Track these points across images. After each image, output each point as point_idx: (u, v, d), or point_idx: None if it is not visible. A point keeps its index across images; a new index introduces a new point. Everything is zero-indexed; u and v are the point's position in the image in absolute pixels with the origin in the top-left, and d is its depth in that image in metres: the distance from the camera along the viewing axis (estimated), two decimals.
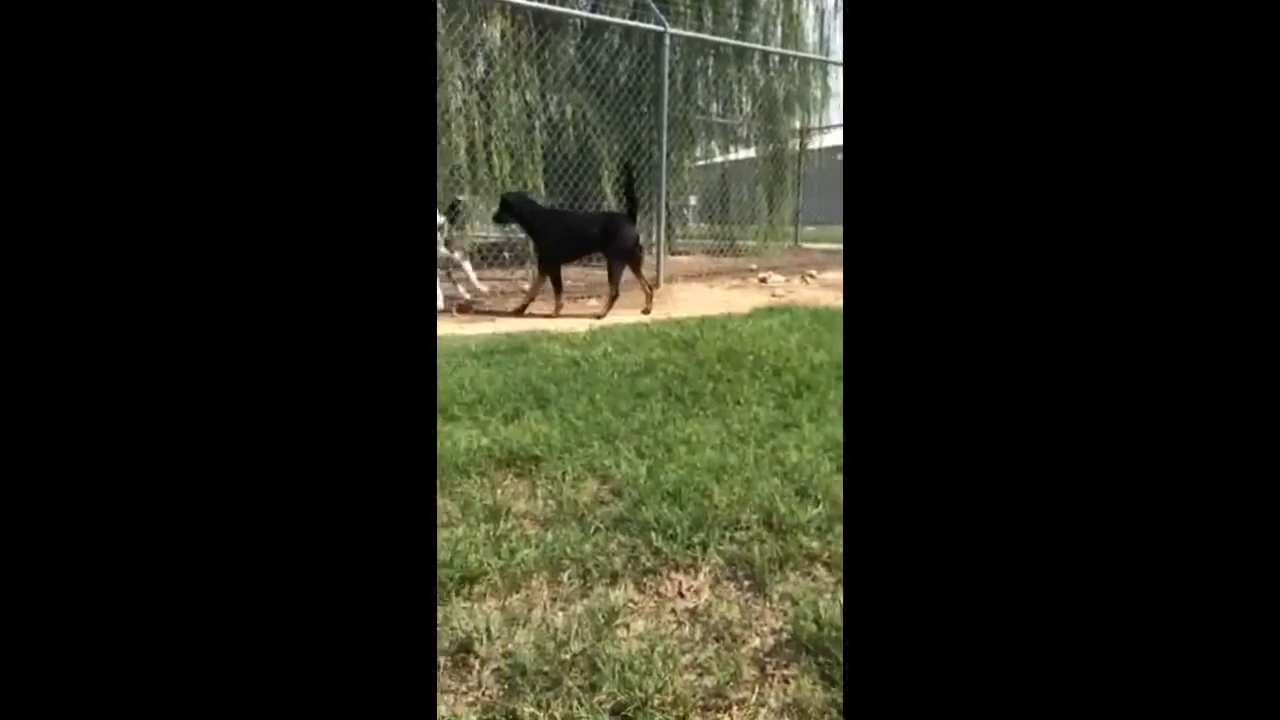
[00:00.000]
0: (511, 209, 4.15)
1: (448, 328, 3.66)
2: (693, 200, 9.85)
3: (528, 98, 6.08)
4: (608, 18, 5.24)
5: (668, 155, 5.33)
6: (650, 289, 4.31)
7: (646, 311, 4.21)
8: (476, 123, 5.79)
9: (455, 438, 1.81)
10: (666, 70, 4.90)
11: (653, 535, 1.28)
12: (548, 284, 4.17)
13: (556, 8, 5.09)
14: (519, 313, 4.15)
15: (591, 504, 1.46)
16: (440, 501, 1.48)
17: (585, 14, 5.18)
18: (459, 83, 5.70)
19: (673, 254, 6.36)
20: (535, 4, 4.98)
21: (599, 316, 4.05)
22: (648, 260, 6.41)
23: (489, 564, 1.19)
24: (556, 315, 4.10)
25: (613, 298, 4.15)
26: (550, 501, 1.47)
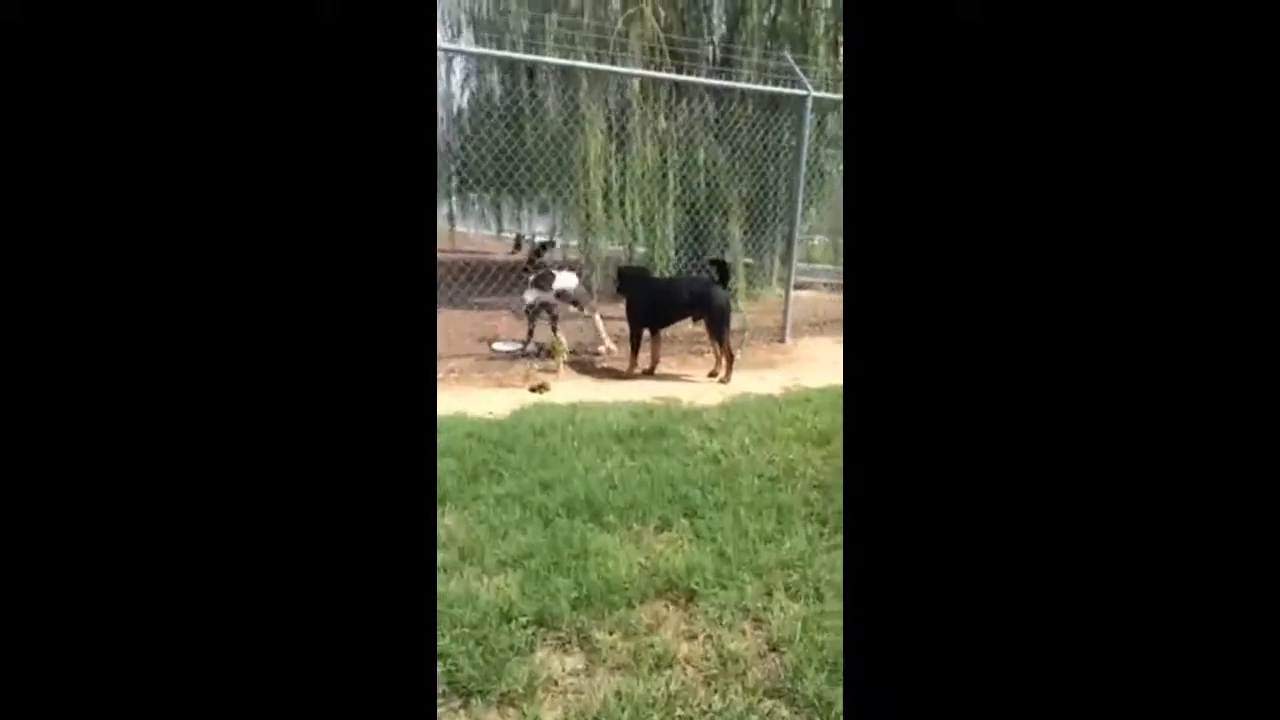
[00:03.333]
0: (623, 279, 4.43)
1: (584, 390, 3.88)
2: (816, 240, 9.65)
3: (662, 150, 6.28)
4: (748, 85, 5.33)
5: (801, 209, 5.35)
6: (729, 358, 4.26)
7: (713, 374, 4.31)
8: (613, 173, 6.05)
9: (616, 556, 1.97)
10: (808, 133, 4.92)
11: (815, 717, 1.37)
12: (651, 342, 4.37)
13: (692, 78, 5.24)
14: (647, 374, 4.33)
15: (752, 658, 1.57)
16: (612, 638, 1.64)
17: (724, 83, 5.29)
18: (599, 134, 5.98)
19: (795, 288, 6.37)
20: (671, 75, 5.19)
21: (723, 381, 4.16)
22: (776, 307, 6.46)
23: None
24: (629, 375, 4.29)
25: (730, 359, 4.25)
26: (711, 650, 1.59)
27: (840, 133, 7.03)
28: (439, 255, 7.19)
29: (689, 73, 5.66)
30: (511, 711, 1.40)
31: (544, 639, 1.64)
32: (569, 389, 3.92)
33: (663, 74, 5.11)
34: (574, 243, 6.84)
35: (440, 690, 1.44)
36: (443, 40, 6.03)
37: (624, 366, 4.41)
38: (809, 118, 4.91)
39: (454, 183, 7.61)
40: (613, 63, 5.50)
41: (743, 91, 5.52)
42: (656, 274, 5.56)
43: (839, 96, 5.80)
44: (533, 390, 3.83)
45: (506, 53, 5.00)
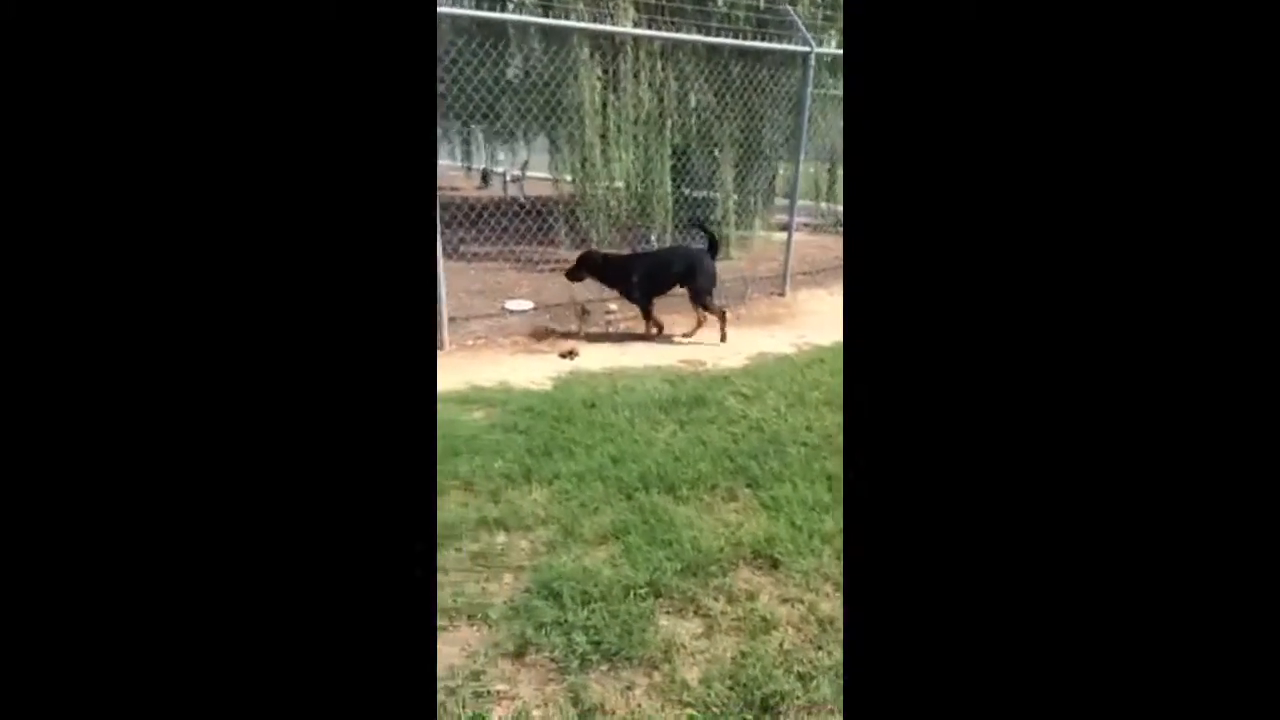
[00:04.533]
0: (587, 265, 4.45)
1: (607, 356, 4.09)
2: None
3: (660, 94, 6.28)
4: (746, 43, 5.36)
5: (800, 166, 5.50)
6: (721, 317, 4.47)
7: (688, 335, 4.48)
8: (611, 119, 6.06)
9: (701, 528, 2.24)
10: (810, 89, 5.02)
11: None
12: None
13: (687, 36, 5.24)
14: (660, 333, 4.54)
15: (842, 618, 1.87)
16: (719, 604, 1.92)
17: (719, 40, 5.30)
18: (597, 83, 5.95)
19: (780, 229, 6.63)
20: (665, 34, 5.19)
21: (722, 339, 4.42)
22: (764, 254, 6.70)
23: (795, 691, 1.62)
24: (648, 338, 4.48)
25: (722, 317, 4.46)
26: (807, 613, 1.89)
27: (820, 77, 7.14)
28: None
29: (685, 20, 5.64)
30: (656, 674, 1.68)
31: (662, 607, 1.91)
32: (595, 354, 4.12)
33: (658, 33, 5.10)
34: (568, 178, 6.84)
35: (592, 658, 1.71)
36: None
37: (630, 327, 4.62)
38: (811, 75, 5.00)
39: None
40: (610, 19, 5.44)
41: (742, 49, 5.55)
42: (651, 239, 5.68)
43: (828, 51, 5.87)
44: (563, 356, 4.02)
45: (495, 14, 4.89)
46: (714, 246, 4.51)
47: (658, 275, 4.49)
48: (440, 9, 3.85)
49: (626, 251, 5.10)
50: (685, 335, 4.52)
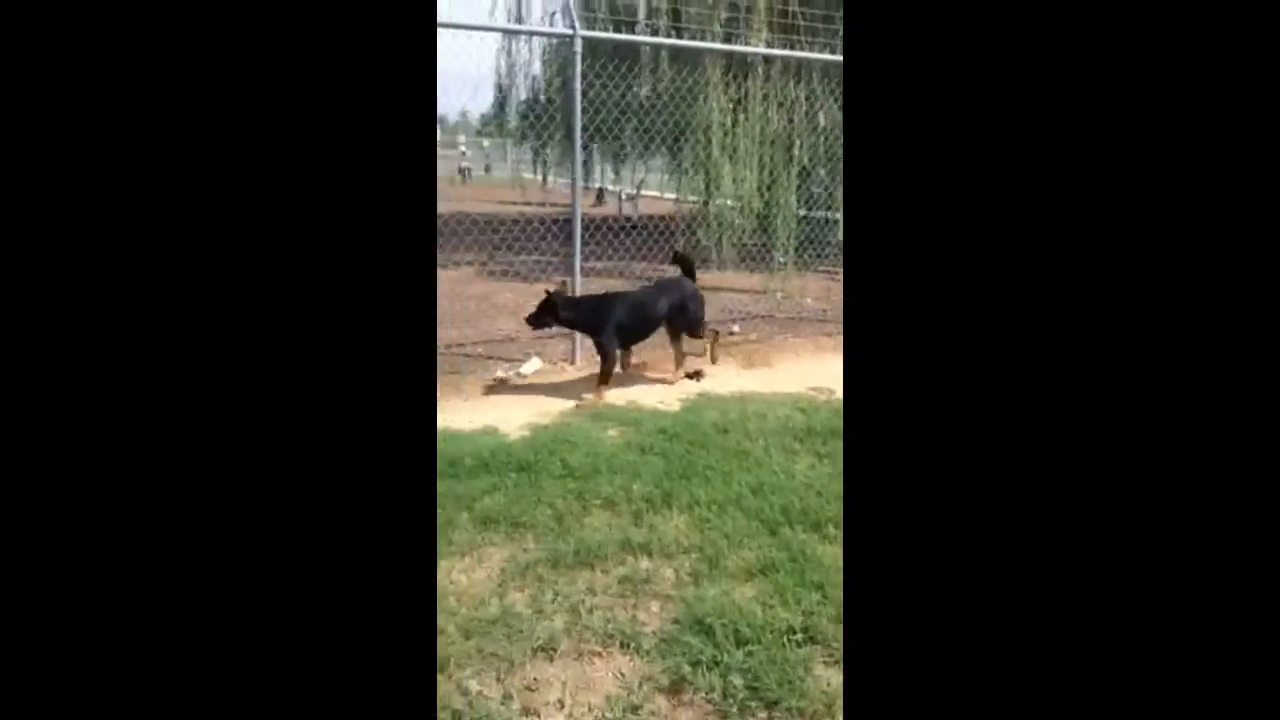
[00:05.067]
0: (550, 312, 3.67)
1: (737, 381, 4.01)
2: None
3: (790, 113, 6.21)
4: None
5: None
6: (682, 359, 4.01)
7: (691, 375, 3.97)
8: (741, 140, 6.03)
9: None
10: None
11: None
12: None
13: (818, 55, 5.14)
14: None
15: None
16: None
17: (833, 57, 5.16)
18: (727, 103, 5.94)
19: None
20: (797, 54, 5.11)
21: (713, 360, 4.18)
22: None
23: None
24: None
25: (715, 336, 4.25)
26: None
27: None
28: (531, 207, 7.36)
29: (816, 40, 5.54)
30: None
31: (818, 656, 1.82)
32: (720, 376, 4.07)
33: (789, 52, 5.04)
34: (691, 197, 6.83)
35: (750, 704, 1.64)
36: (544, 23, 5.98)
37: (753, 349, 4.51)
38: None
39: (558, 134, 7.66)
40: (743, 39, 5.43)
41: None
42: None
43: None
44: (689, 377, 3.99)
45: (631, 37, 4.98)
46: (690, 270, 4.12)
47: (639, 319, 3.80)
48: (582, 33, 3.95)
49: (633, 287, 4.52)
50: (688, 374, 3.98)
